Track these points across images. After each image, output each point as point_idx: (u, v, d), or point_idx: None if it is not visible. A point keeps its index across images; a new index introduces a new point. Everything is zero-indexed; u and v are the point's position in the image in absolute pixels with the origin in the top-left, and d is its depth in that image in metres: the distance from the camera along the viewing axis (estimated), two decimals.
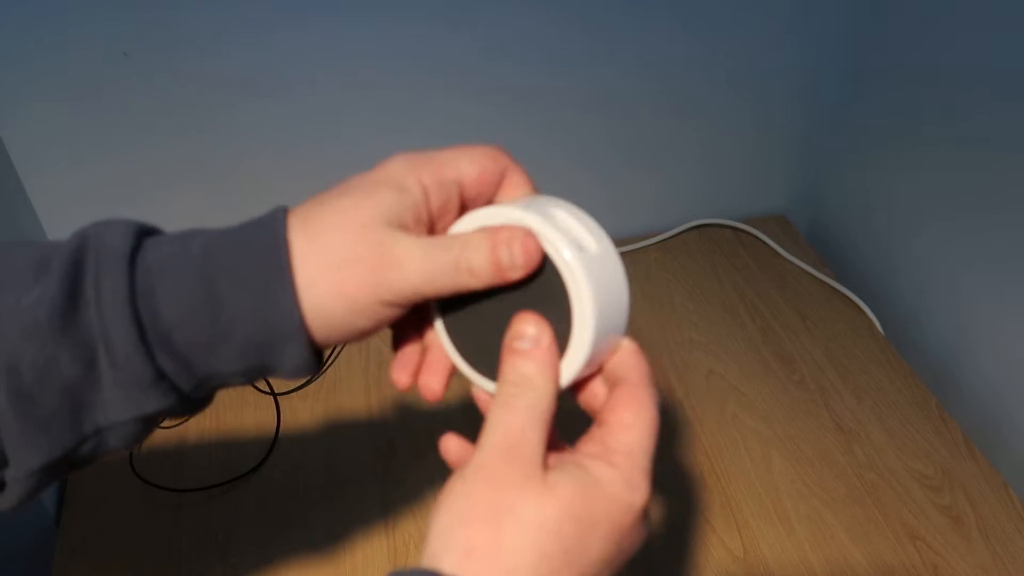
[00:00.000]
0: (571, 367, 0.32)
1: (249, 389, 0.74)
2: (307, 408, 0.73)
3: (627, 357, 0.34)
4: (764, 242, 0.93)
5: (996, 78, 0.69)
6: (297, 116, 0.77)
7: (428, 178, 0.32)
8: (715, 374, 0.77)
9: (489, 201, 0.35)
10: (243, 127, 0.77)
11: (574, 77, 0.81)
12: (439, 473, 0.70)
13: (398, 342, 0.38)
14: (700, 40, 0.82)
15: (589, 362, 0.32)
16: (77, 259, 0.29)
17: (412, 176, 0.32)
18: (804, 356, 0.79)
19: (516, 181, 0.34)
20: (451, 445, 0.35)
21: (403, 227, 0.31)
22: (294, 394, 0.74)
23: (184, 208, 0.80)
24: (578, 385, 0.35)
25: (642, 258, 0.90)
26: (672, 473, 0.68)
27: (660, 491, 0.67)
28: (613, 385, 0.33)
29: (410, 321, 0.36)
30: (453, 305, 0.35)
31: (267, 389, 0.74)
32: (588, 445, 0.32)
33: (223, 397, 0.74)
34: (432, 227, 0.33)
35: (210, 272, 0.29)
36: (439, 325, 0.36)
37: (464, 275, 0.31)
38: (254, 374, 0.32)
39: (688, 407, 0.74)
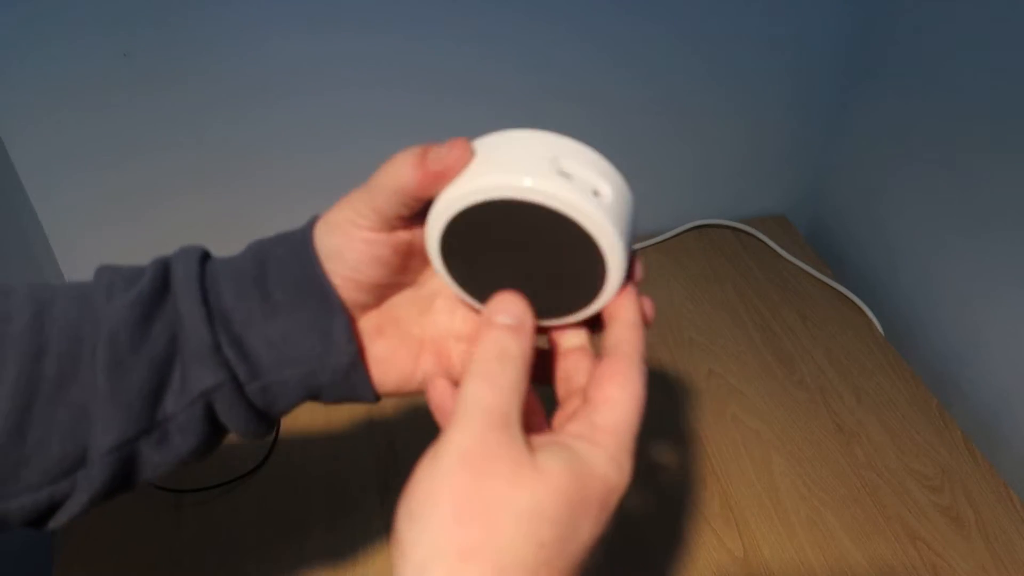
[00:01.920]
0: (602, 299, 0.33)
1: None
2: (307, 408, 0.72)
3: (621, 329, 0.33)
4: (764, 243, 0.93)
5: (996, 78, 0.69)
6: (304, 122, 0.77)
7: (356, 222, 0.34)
8: (715, 374, 0.77)
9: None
10: (247, 131, 0.77)
11: (575, 79, 0.81)
12: None
13: None
14: (700, 40, 0.82)
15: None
16: (166, 261, 0.34)
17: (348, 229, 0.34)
18: (804, 357, 0.79)
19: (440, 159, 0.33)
20: (439, 386, 0.34)
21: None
22: None
23: (185, 208, 0.80)
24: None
25: (642, 259, 0.90)
26: (672, 473, 0.68)
27: (660, 491, 0.67)
28: (603, 356, 0.33)
29: None
30: (461, 236, 0.33)
31: None
32: (572, 424, 0.31)
33: None
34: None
35: (259, 256, 0.35)
36: (436, 247, 0.34)
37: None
38: (302, 365, 0.35)
39: (688, 407, 0.74)
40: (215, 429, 0.35)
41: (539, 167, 0.29)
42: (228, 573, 0.61)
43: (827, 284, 0.87)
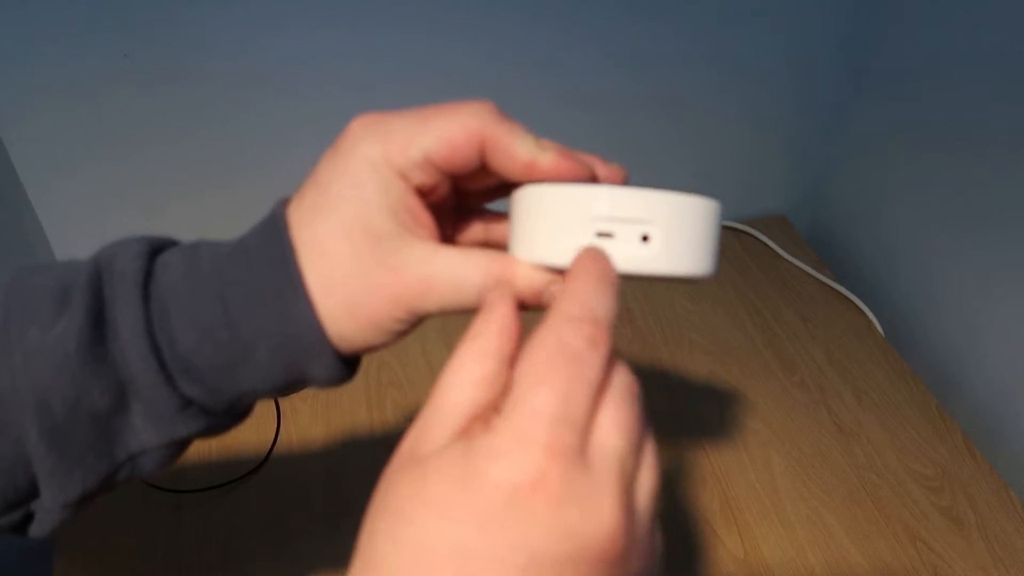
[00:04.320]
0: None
1: None
2: (307, 409, 0.73)
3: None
4: (764, 243, 0.93)
5: (997, 79, 0.69)
6: (304, 119, 0.77)
7: (399, 157, 0.29)
8: (715, 375, 0.77)
9: (471, 172, 0.30)
10: (245, 130, 0.77)
11: (572, 79, 0.81)
12: None
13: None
14: (699, 40, 0.82)
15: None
16: (96, 288, 0.28)
17: (382, 158, 0.29)
18: (804, 357, 0.79)
19: (505, 148, 0.29)
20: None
21: (404, 224, 0.29)
22: (294, 395, 0.74)
23: (185, 210, 0.80)
24: None
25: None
26: (672, 474, 0.68)
27: (660, 492, 0.67)
28: None
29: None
30: None
31: None
32: None
33: None
34: (429, 194, 0.30)
35: (222, 291, 0.28)
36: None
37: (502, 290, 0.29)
38: (286, 389, 0.31)
39: (688, 407, 0.74)
40: (188, 442, 0.32)
41: (577, 234, 0.28)
42: (228, 573, 0.61)
43: (827, 284, 0.87)
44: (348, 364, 0.31)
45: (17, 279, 0.29)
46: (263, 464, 0.68)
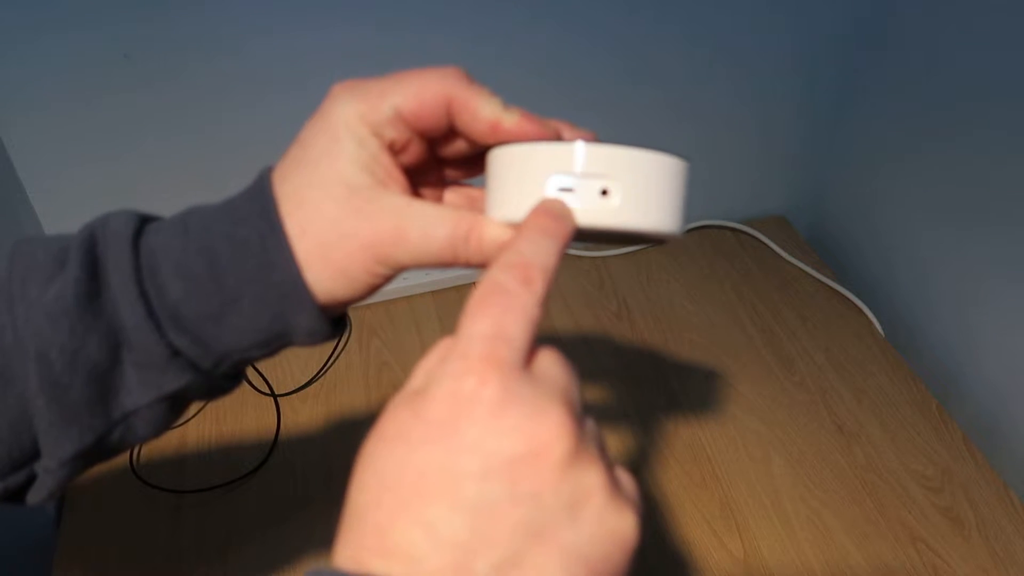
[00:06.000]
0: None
1: (249, 390, 0.74)
2: (307, 409, 0.73)
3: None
4: (764, 243, 0.93)
5: (996, 81, 0.69)
6: (299, 118, 0.77)
7: (372, 114, 0.31)
8: (715, 375, 0.77)
9: (441, 132, 0.32)
10: (244, 129, 0.77)
11: (572, 79, 0.81)
12: None
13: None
14: (700, 42, 0.82)
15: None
16: (91, 247, 0.30)
17: (357, 116, 0.31)
18: (804, 357, 0.79)
19: (472, 108, 0.31)
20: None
21: (378, 178, 0.30)
22: (294, 395, 0.74)
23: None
24: None
25: (643, 260, 0.90)
26: (672, 474, 0.68)
27: (660, 492, 0.67)
28: None
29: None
30: None
31: (267, 390, 0.74)
32: None
33: (223, 398, 0.74)
34: (402, 152, 0.32)
35: (210, 244, 0.30)
36: None
37: (471, 250, 0.30)
38: (271, 345, 0.32)
39: (688, 407, 0.74)
40: (184, 402, 0.33)
41: (539, 190, 0.29)
42: (228, 573, 0.61)
43: (827, 285, 0.87)
44: (332, 322, 0.32)
45: (19, 244, 0.31)
46: (263, 464, 0.68)
